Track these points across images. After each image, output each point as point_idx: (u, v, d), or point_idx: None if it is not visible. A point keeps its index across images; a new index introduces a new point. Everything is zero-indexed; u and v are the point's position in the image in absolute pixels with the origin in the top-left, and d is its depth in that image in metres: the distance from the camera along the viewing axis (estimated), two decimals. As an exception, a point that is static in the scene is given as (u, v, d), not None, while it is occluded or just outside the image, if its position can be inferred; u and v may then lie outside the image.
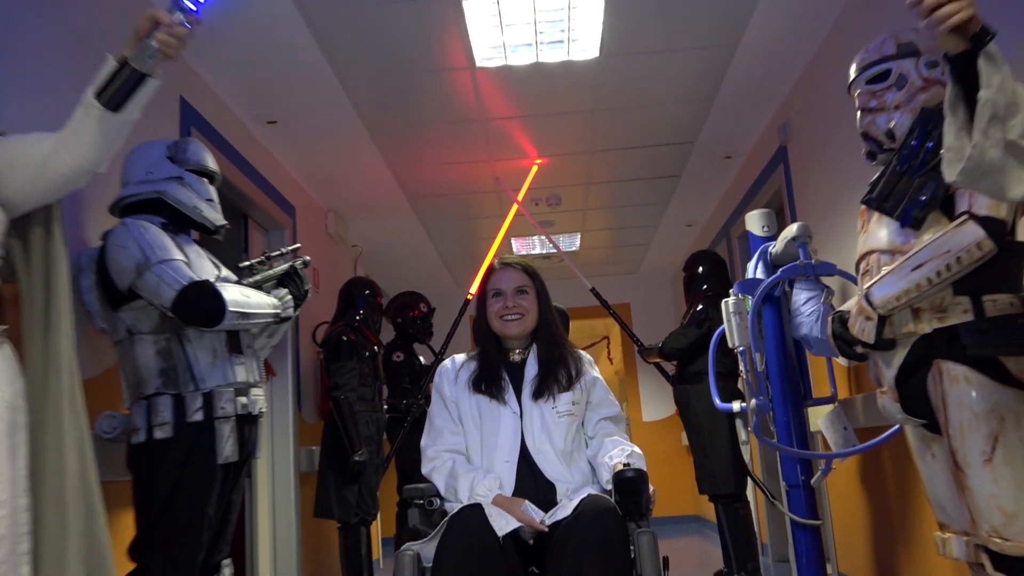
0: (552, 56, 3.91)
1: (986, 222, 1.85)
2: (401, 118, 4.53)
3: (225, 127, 3.97)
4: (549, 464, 2.33)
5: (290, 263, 2.66)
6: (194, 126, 3.59)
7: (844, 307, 2.23)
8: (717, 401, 3.50)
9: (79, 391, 1.61)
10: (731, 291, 3.34)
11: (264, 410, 2.55)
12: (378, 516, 4.74)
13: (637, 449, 2.37)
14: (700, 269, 4.77)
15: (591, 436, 2.46)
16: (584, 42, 3.81)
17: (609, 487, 2.21)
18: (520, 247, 7.32)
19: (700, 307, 4.56)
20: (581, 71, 4.08)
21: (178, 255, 2.36)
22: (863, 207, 2.19)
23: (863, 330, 2.06)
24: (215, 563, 2.43)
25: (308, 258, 2.77)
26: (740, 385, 3.99)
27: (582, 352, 2.58)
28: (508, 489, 2.31)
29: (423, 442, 2.46)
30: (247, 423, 2.48)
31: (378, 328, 4.94)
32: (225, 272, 2.55)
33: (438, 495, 2.37)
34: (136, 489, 2.34)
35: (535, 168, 5.34)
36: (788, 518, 3.41)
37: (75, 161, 1.60)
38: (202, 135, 3.67)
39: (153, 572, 2.26)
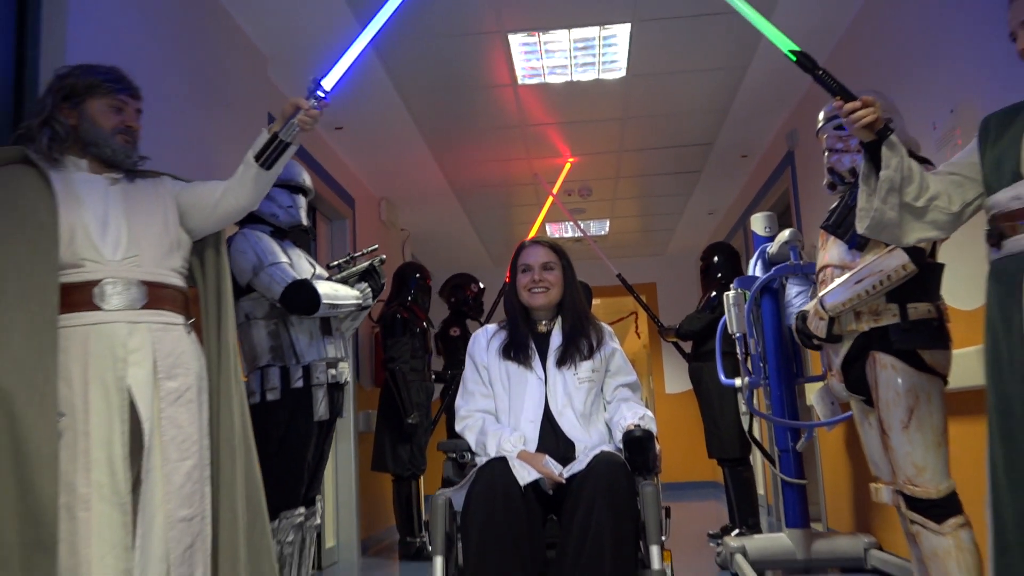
0: (584, 76, 4.50)
1: (911, 250, 2.42)
2: (451, 124, 5.14)
3: (322, 154, 4.60)
4: (569, 425, 2.53)
5: (369, 262, 3.29)
6: (304, 162, 4.22)
7: (805, 307, 2.82)
8: (722, 377, 4.12)
9: (238, 367, 2.25)
10: (732, 286, 3.93)
11: (348, 380, 3.20)
12: (425, 471, 5.41)
13: (649, 413, 2.54)
14: (715, 259, 5.34)
15: (609, 401, 2.64)
16: (612, 64, 4.39)
17: (622, 445, 2.44)
18: (554, 231, 7.91)
19: (714, 294, 5.13)
20: (610, 87, 4.66)
21: (283, 258, 3.01)
22: (823, 230, 2.77)
23: (817, 327, 2.66)
24: (311, 497, 3.10)
25: (384, 257, 3.40)
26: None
27: (603, 324, 2.75)
28: (532, 446, 2.49)
29: (457, 403, 2.68)
30: (336, 390, 3.14)
31: (427, 307, 5.58)
32: (319, 270, 3.19)
33: (469, 450, 2.56)
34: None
35: (568, 165, 5.93)
36: (779, 478, 4.03)
37: (237, 203, 2.23)
38: (304, 162, 4.30)
39: (268, 501, 2.93)
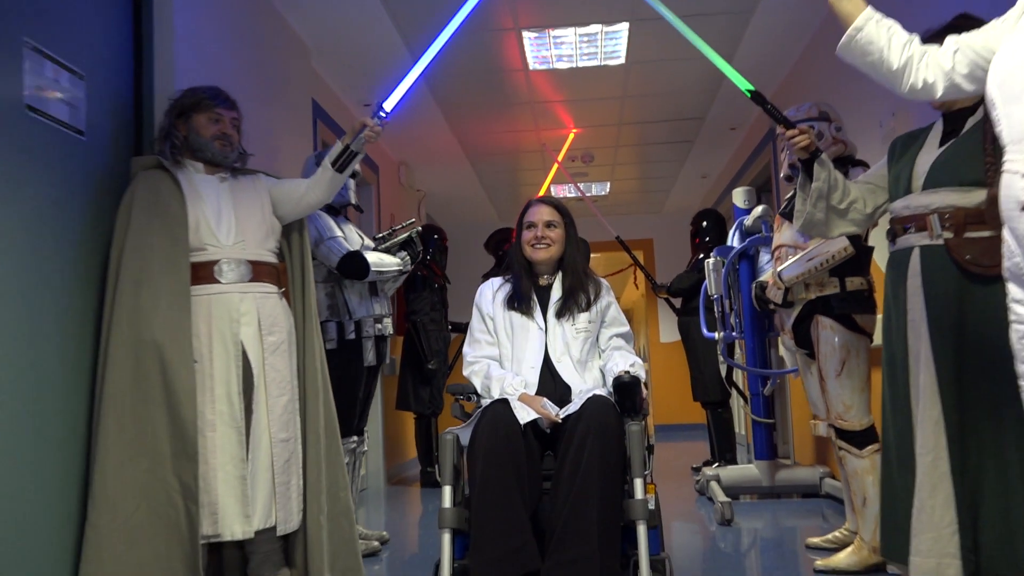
0: (588, 63, 5.07)
1: (851, 237, 3.03)
2: (467, 100, 5.71)
3: (335, 112, 5.19)
4: (567, 371, 2.72)
5: (408, 233, 3.90)
6: (318, 117, 4.82)
7: (762, 279, 3.45)
8: (704, 330, 4.77)
9: (317, 325, 2.89)
10: (712, 254, 4.55)
11: (391, 332, 3.85)
12: (443, 410, 6.09)
13: (639, 361, 2.71)
14: (704, 224, 5.94)
15: (603, 349, 2.82)
16: (613, 54, 4.95)
17: (613, 389, 2.62)
18: (559, 191, 8.50)
19: (701, 256, 5.74)
20: (611, 72, 5.23)
21: (339, 233, 3.62)
22: (779, 215, 3.38)
23: (775, 295, 3.30)
24: (361, 428, 3.77)
25: (420, 228, 4.01)
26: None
27: (600, 279, 2.91)
28: (532, 389, 2.67)
29: (464, 349, 2.84)
30: (381, 341, 3.78)
31: (444, 265, 6.20)
32: (367, 241, 3.81)
33: (475, 392, 2.75)
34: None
35: (572, 135, 6.51)
36: (750, 418, 4.71)
37: (316, 198, 2.85)
38: (322, 121, 4.90)
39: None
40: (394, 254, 3.82)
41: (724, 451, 5.56)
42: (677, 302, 6.17)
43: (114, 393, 2.47)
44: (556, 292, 2.81)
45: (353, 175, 3.83)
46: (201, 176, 2.73)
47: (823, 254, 3.10)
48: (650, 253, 9.89)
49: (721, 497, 4.18)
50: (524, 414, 2.47)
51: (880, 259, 3.17)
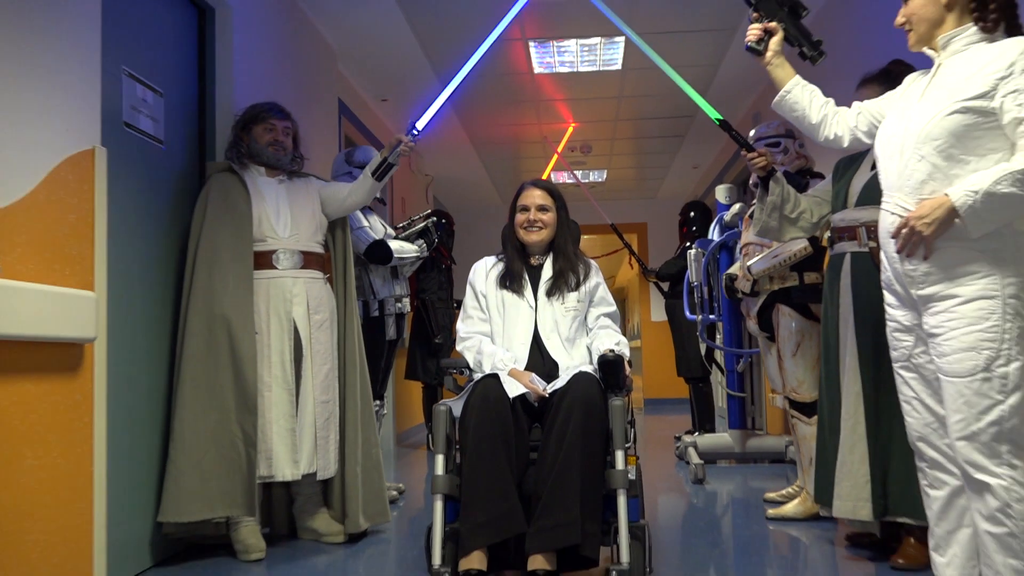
0: (587, 68, 5.57)
1: (810, 238, 3.55)
2: (475, 95, 6.21)
3: (358, 109, 5.71)
4: (555, 348, 2.81)
5: (424, 223, 4.43)
6: (343, 115, 5.33)
7: (731, 271, 3.98)
8: (687, 313, 5.31)
9: (356, 307, 3.43)
10: (694, 245, 5.08)
11: (408, 310, 4.39)
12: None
13: (624, 339, 2.80)
14: (692, 214, 6.46)
15: (591, 328, 2.91)
16: (611, 61, 5.46)
17: (598, 366, 2.71)
18: (558, 177, 9.01)
19: (688, 244, 6.27)
20: (608, 76, 5.74)
21: (366, 223, 4.15)
22: (747, 216, 3.91)
23: (744, 286, 3.83)
24: (381, 394, 4.32)
25: (435, 218, 4.53)
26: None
27: (590, 260, 2.99)
28: (521, 365, 2.76)
29: (458, 325, 2.93)
30: (400, 318, 4.32)
31: (451, 247, 6.73)
32: (389, 230, 4.34)
33: (468, 366, 2.83)
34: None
35: (571, 129, 7.03)
36: (725, 392, 5.26)
37: (357, 200, 3.37)
38: (346, 117, 5.41)
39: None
40: (412, 242, 4.35)
41: (704, 422, 6.12)
42: (665, 285, 6.70)
43: (190, 357, 3.02)
44: (547, 272, 2.90)
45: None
46: (263, 178, 3.27)
47: (786, 252, 3.63)
48: (644, 236, 10.43)
49: (695, 460, 4.74)
50: (513, 388, 2.56)
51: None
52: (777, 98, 2.49)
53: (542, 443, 2.51)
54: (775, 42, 2.46)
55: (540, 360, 2.79)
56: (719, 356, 5.93)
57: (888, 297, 2.17)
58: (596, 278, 2.95)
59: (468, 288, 2.96)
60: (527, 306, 2.85)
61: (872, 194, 2.81)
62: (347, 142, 5.48)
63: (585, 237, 9.95)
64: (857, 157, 3.02)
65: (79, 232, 2.43)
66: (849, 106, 2.46)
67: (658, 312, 10.42)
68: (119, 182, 2.75)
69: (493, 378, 2.59)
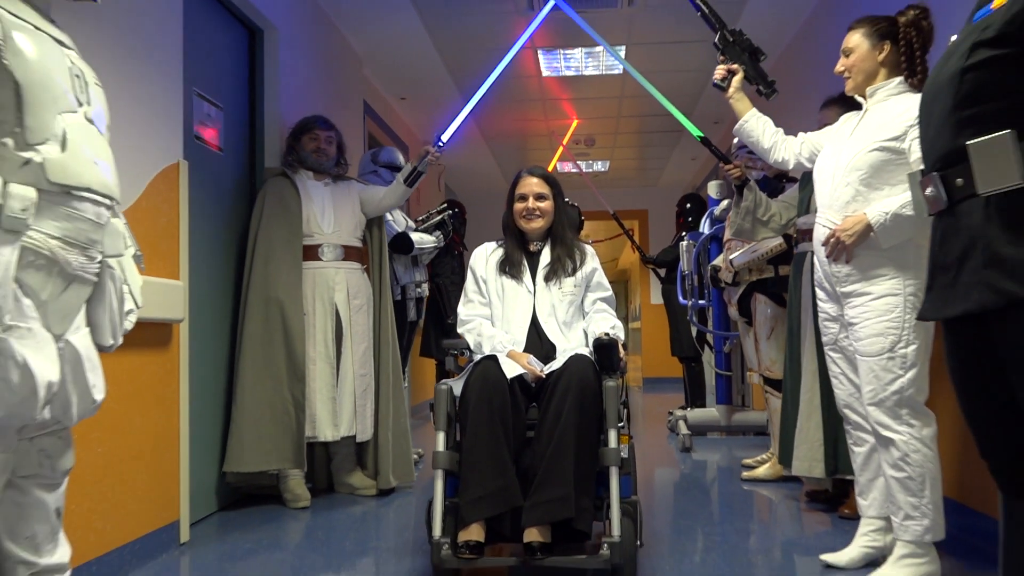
0: (591, 72, 6.06)
1: (785, 236, 4.05)
2: (488, 95, 6.66)
3: (380, 108, 6.20)
4: (552, 331, 2.87)
5: (441, 216, 4.94)
6: (367, 114, 5.83)
7: (716, 262, 4.48)
8: (680, 298, 5.82)
9: (389, 294, 3.94)
10: (686, 236, 5.58)
11: (427, 294, 4.90)
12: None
13: (619, 323, 2.88)
14: (688, 206, 6.94)
15: (587, 312, 2.96)
16: (612, 66, 5.94)
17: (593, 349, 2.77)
18: (563, 166, 9.50)
19: (683, 234, 6.77)
20: (610, 79, 6.22)
21: (389, 217, 4.64)
22: (729, 216, 4.41)
23: (726, 276, 4.35)
24: (402, 369, 4.85)
25: (451, 212, 5.04)
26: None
27: (586, 246, 3.05)
28: (520, 347, 2.83)
29: (459, 308, 3.00)
30: (419, 301, 4.84)
31: (463, 234, 7.23)
32: (410, 222, 4.84)
33: (468, 348, 2.90)
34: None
35: (575, 124, 7.52)
36: (714, 371, 5.78)
37: (389, 203, 3.88)
38: (370, 117, 5.90)
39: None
40: (431, 233, 4.86)
41: (695, 398, 6.65)
42: (662, 272, 7.22)
43: (250, 334, 3.55)
44: (545, 258, 2.96)
45: (394, 168, 4.90)
46: (311, 181, 3.78)
47: (763, 248, 4.13)
48: (645, 223, 10.92)
49: (683, 431, 5.28)
50: (511, 369, 2.61)
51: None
52: (737, 126, 2.99)
53: (538, 422, 2.58)
54: (736, 80, 2.97)
55: (538, 343, 2.87)
56: (710, 338, 6.45)
57: (819, 293, 2.68)
58: (593, 263, 3.01)
59: (469, 273, 3.04)
60: (526, 291, 2.92)
61: (829, 203, 3.31)
62: (370, 139, 5.98)
63: (589, 223, 10.45)
64: (821, 169, 3.51)
65: (168, 232, 2.95)
66: (816, 122, 2.95)
67: (657, 296, 10.89)
68: (192, 187, 3.26)
69: (492, 359, 2.65)
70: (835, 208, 2.55)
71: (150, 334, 2.81)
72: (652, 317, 10.77)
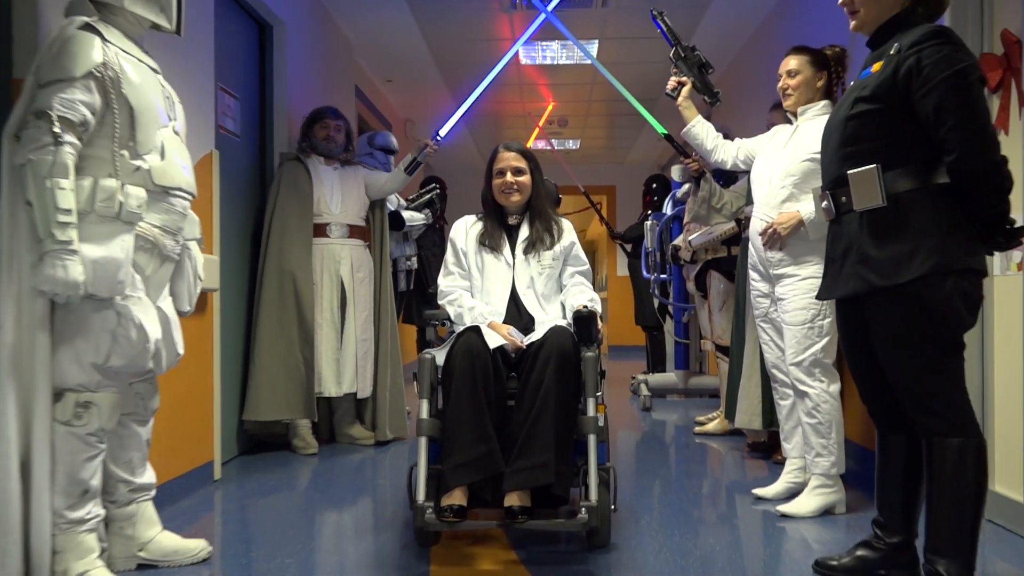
0: (566, 62, 6.54)
1: (737, 220, 4.59)
2: (468, 79, 7.15)
3: (369, 90, 6.63)
4: (531, 303, 2.94)
5: (429, 195, 5.42)
6: (358, 98, 6.26)
7: (676, 242, 5.03)
8: (644, 272, 6.37)
9: (389, 268, 4.43)
10: (650, 216, 6.12)
11: (416, 267, 5.40)
12: (438, 326, 7.68)
13: (596, 296, 2.92)
14: (653, 186, 7.47)
15: (565, 284, 3.02)
16: (585, 56, 6.41)
17: (572, 321, 2.81)
18: (536, 144, 9.99)
19: (649, 212, 7.31)
20: (584, 68, 6.70)
21: (385, 197, 5.13)
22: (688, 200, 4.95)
23: (685, 255, 4.89)
24: (394, 334, 5.35)
25: (438, 190, 5.52)
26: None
27: (564, 220, 3.09)
28: (499, 319, 2.89)
29: (439, 279, 3.04)
30: (409, 273, 5.34)
31: (444, 209, 7.70)
32: (402, 201, 5.32)
33: (448, 319, 2.95)
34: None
35: (551, 106, 8.00)
36: (674, 339, 6.36)
37: (391, 188, 4.34)
38: (360, 100, 6.34)
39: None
40: (420, 211, 5.35)
41: (656, 364, 7.23)
42: (628, 247, 7.76)
43: (266, 301, 4.03)
44: (523, 232, 3.01)
45: (393, 152, 5.38)
46: (322, 166, 4.25)
47: (718, 231, 4.68)
48: (613, 198, 11.46)
49: (644, 392, 5.86)
50: (493, 340, 2.66)
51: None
52: (684, 129, 3.51)
53: (519, 391, 2.63)
54: (685, 91, 3.49)
55: (517, 314, 2.93)
56: (671, 309, 7.02)
57: (752, 274, 3.24)
58: (570, 237, 3.05)
59: (449, 245, 3.07)
60: (505, 264, 2.97)
61: (772, 195, 3.86)
62: (359, 121, 6.42)
63: (562, 196, 11.02)
64: (767, 164, 4.05)
65: (204, 214, 3.41)
66: (764, 121, 3.48)
67: (623, 268, 11.47)
68: (219, 169, 3.72)
69: (475, 330, 2.68)
70: (771, 206, 3.09)
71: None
72: (618, 289, 11.34)
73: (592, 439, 2.54)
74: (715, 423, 4.74)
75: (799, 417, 3.06)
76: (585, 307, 2.75)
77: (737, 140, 3.45)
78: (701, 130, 3.47)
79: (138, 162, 2.15)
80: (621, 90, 4.25)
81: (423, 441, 2.57)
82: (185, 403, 3.25)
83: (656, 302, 6.61)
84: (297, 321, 4.05)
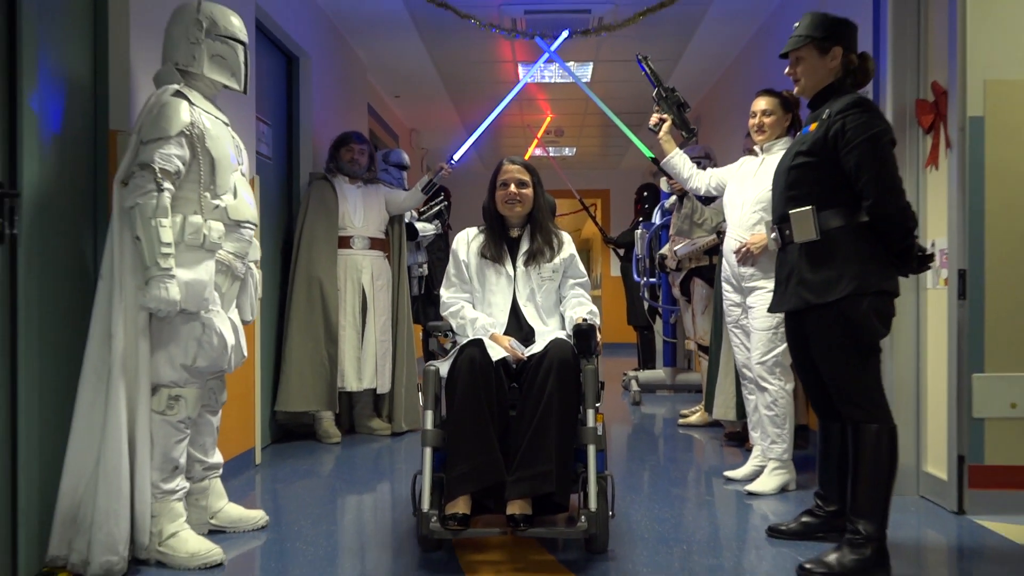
0: (563, 80, 7.03)
1: (718, 232, 5.10)
2: (472, 95, 7.65)
3: (378, 104, 7.12)
4: (531, 314, 2.99)
5: (439, 207, 5.91)
6: (371, 115, 6.76)
7: (662, 251, 5.53)
8: (635, 275, 6.88)
9: (406, 277, 4.93)
10: (641, 226, 6.63)
11: (426, 273, 5.90)
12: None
13: (595, 309, 2.97)
14: (644, 194, 7.97)
15: (564, 296, 3.07)
16: (582, 75, 6.92)
17: (572, 333, 2.87)
18: (535, 152, 10.49)
19: (640, 219, 7.81)
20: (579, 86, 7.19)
21: (399, 209, 5.63)
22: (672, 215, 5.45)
23: (671, 263, 5.40)
24: (406, 334, 5.86)
25: (446, 203, 6.01)
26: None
27: (564, 233, 3.14)
28: (501, 330, 2.93)
29: (441, 290, 3.09)
30: (420, 279, 5.84)
31: (449, 215, 8.21)
32: (413, 214, 5.81)
33: (451, 330, 2.99)
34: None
35: (549, 118, 8.50)
36: (662, 338, 6.87)
37: (409, 205, 4.84)
38: (371, 115, 6.83)
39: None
40: (431, 222, 5.84)
41: (647, 361, 7.73)
42: (621, 251, 8.26)
43: (296, 305, 4.53)
44: (524, 244, 3.06)
45: (406, 168, 5.87)
46: (347, 185, 4.75)
47: (701, 242, 5.19)
48: (607, 201, 11.97)
49: (634, 388, 6.37)
50: (495, 352, 2.72)
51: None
52: (664, 160, 4.01)
53: (520, 402, 2.69)
54: (665, 127, 4.00)
55: (517, 325, 2.98)
56: (660, 310, 7.53)
57: (726, 286, 3.74)
58: (570, 249, 3.10)
59: (451, 256, 3.10)
60: (506, 275, 3.02)
61: (746, 213, 4.36)
62: (370, 135, 6.91)
63: (556, 199, 11.52)
64: (742, 185, 4.55)
65: (248, 231, 3.91)
66: (741, 146, 4.00)
67: (616, 269, 12.01)
68: (261, 189, 4.21)
69: (477, 343, 2.74)
70: (744, 228, 3.59)
71: (238, 308, 3.79)
72: (611, 288, 11.85)
73: (591, 449, 2.61)
74: (697, 415, 5.25)
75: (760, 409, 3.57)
76: (585, 320, 2.85)
77: (709, 170, 3.95)
78: (679, 161, 3.98)
79: (217, 201, 2.64)
80: (614, 119, 4.82)
81: (427, 451, 2.64)
82: (232, 397, 3.74)
83: (646, 304, 7.12)
84: (323, 323, 4.54)
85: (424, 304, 7.86)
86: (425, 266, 5.89)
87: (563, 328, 3.02)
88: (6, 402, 2.33)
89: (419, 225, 5.68)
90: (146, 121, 2.53)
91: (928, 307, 3.38)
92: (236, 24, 2.78)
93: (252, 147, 4.02)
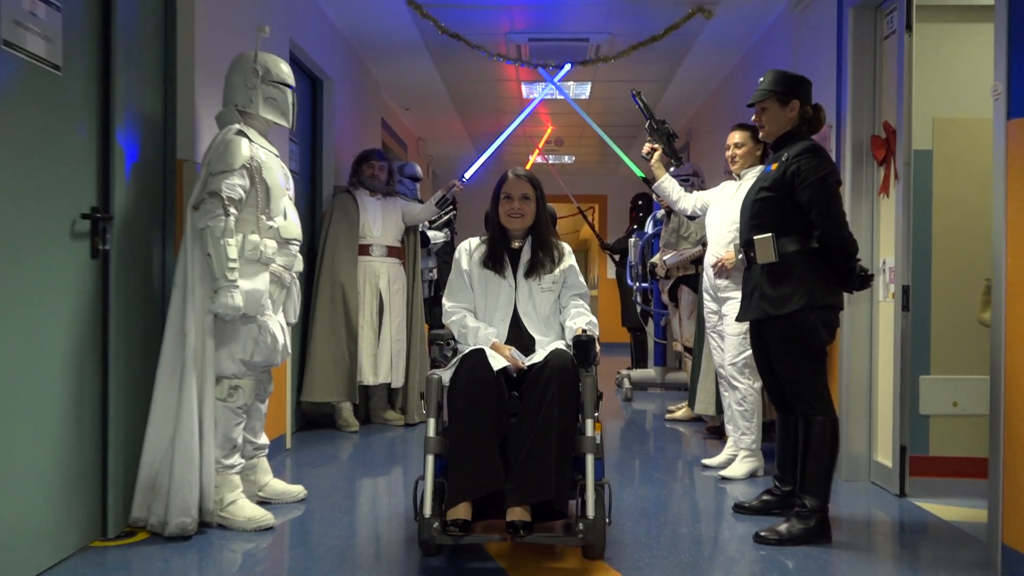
0: (561, 97, 7.51)
1: (701, 245, 5.59)
2: (477, 109, 8.13)
3: (388, 116, 7.60)
4: (532, 324, 3.06)
5: (447, 216, 6.38)
6: (384, 129, 7.24)
7: (652, 260, 6.02)
8: (629, 280, 7.36)
9: (420, 282, 5.40)
10: (634, 235, 7.12)
11: (436, 277, 6.38)
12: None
13: (594, 320, 3.05)
14: (639, 203, 8.46)
15: (564, 306, 3.13)
16: (581, 93, 7.41)
17: (571, 343, 2.95)
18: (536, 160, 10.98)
19: (635, 227, 8.29)
20: (579, 101, 7.68)
21: (410, 217, 6.12)
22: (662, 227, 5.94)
23: (660, 271, 5.88)
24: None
25: (455, 212, 6.49)
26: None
27: (564, 244, 3.20)
28: (502, 339, 3.01)
29: (444, 299, 3.16)
30: (430, 283, 6.32)
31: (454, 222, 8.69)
32: (426, 222, 6.27)
33: (453, 338, 3.08)
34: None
35: (549, 129, 8.99)
36: (653, 340, 7.36)
37: (423, 217, 5.32)
38: (384, 129, 7.31)
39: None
40: (441, 230, 6.33)
41: (639, 361, 8.22)
42: (616, 256, 8.74)
43: (320, 305, 5.02)
44: (526, 255, 3.11)
45: (419, 180, 6.36)
46: (368, 198, 5.23)
47: (688, 253, 5.67)
48: (605, 206, 12.47)
49: (626, 385, 6.86)
50: (496, 362, 2.77)
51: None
52: (655, 185, 4.49)
53: (521, 410, 2.74)
54: (657, 156, 4.48)
55: (519, 335, 3.05)
56: (652, 313, 8.01)
57: (705, 296, 4.24)
58: (570, 260, 3.16)
59: (454, 266, 3.16)
60: (508, 285, 3.08)
61: (726, 229, 4.85)
62: (383, 147, 7.39)
63: (555, 204, 12.05)
64: (724, 202, 5.04)
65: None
66: (722, 169, 4.49)
67: (612, 272, 12.51)
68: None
69: (479, 352, 2.80)
70: (721, 245, 4.08)
71: (274, 310, 4.27)
72: (606, 290, 12.35)
73: (590, 458, 2.67)
74: (682, 411, 5.74)
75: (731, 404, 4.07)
76: (584, 331, 2.92)
77: (695, 193, 4.44)
78: (669, 185, 4.46)
79: (271, 223, 3.13)
80: (610, 143, 5.30)
81: (430, 458, 2.70)
82: (277, 385, 4.23)
83: (639, 307, 7.62)
84: (344, 322, 5.03)
85: (430, 306, 8.40)
86: (434, 271, 6.37)
87: (562, 338, 3.10)
88: (98, 390, 2.83)
89: (431, 233, 6.16)
90: (214, 156, 3.01)
91: (880, 317, 3.87)
92: (286, 71, 3.27)
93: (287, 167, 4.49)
